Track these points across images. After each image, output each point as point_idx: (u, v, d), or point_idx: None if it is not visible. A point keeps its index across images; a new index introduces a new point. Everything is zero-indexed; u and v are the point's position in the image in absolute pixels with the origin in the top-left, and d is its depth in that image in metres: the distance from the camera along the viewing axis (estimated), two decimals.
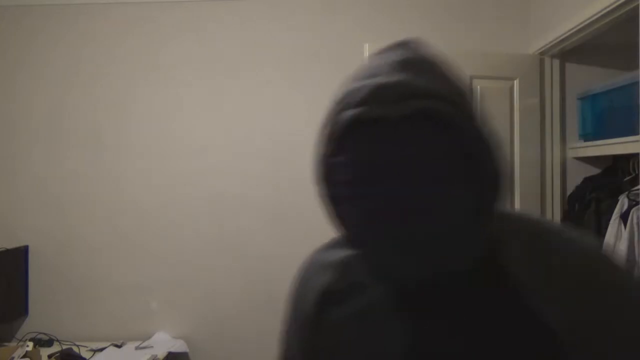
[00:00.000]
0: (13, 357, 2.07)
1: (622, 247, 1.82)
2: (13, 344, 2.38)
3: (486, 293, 0.65)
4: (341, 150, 0.59)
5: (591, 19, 1.95)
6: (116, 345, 2.37)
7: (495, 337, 0.63)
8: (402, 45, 0.66)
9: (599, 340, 0.60)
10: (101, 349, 2.33)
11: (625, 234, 1.83)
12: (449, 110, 0.57)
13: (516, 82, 2.33)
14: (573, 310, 0.60)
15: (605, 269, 0.64)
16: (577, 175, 2.40)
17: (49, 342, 2.41)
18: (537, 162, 2.37)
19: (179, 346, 2.38)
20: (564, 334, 0.60)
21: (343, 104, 0.60)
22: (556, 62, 2.44)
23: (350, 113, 0.58)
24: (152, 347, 2.33)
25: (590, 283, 0.62)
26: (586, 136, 2.37)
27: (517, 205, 2.32)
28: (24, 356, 2.06)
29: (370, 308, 0.71)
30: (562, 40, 2.21)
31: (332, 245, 0.82)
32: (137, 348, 2.33)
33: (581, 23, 2.01)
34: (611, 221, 1.92)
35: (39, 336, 2.44)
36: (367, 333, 0.70)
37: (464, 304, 0.65)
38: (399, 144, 0.57)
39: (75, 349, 2.31)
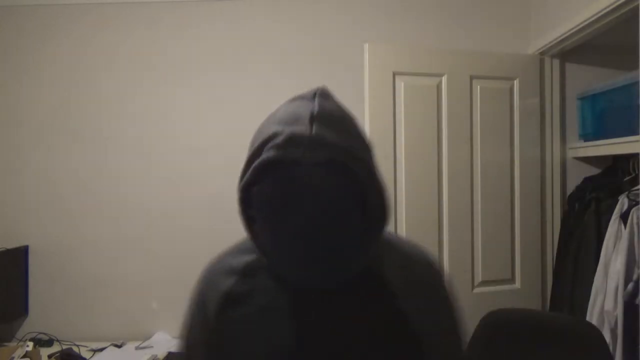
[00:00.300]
0: (13, 357, 2.07)
1: (622, 247, 1.82)
2: (13, 344, 2.38)
3: (365, 298, 0.85)
4: (261, 181, 0.74)
5: (591, 19, 1.95)
6: (116, 345, 2.37)
7: (370, 330, 0.84)
8: (318, 94, 0.78)
9: (435, 329, 0.87)
10: (101, 349, 2.33)
11: (625, 234, 1.83)
12: (350, 161, 0.73)
13: (516, 82, 2.33)
14: (423, 310, 0.86)
15: (440, 283, 0.92)
16: (577, 175, 2.41)
17: (49, 342, 2.41)
18: (537, 162, 2.37)
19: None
20: (418, 327, 0.84)
21: (267, 142, 0.74)
22: (556, 62, 2.44)
23: (272, 153, 0.72)
24: (152, 347, 2.33)
25: (432, 293, 0.89)
26: (586, 136, 2.38)
27: (517, 205, 2.33)
28: (24, 356, 2.06)
29: (268, 309, 0.86)
30: (562, 40, 2.22)
31: (236, 250, 0.95)
32: (137, 348, 2.33)
33: (581, 23, 2.01)
34: (611, 221, 1.92)
35: (39, 336, 2.44)
36: (263, 331, 0.85)
37: (347, 305, 0.84)
38: (309, 184, 0.71)
39: (75, 349, 2.31)
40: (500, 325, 1.55)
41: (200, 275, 0.98)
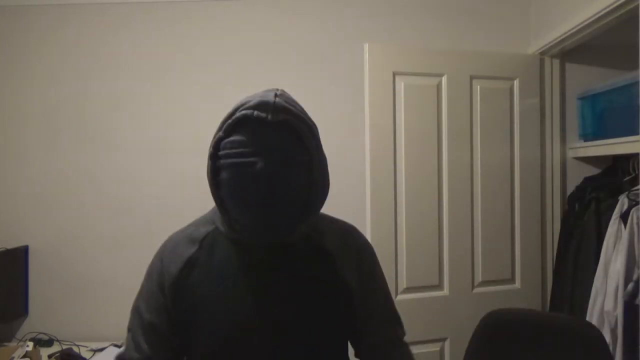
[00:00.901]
0: (13, 357, 2.07)
1: (622, 247, 1.82)
2: (13, 344, 2.38)
3: (309, 259, 1.05)
4: (232, 134, 0.94)
5: (591, 19, 1.95)
6: (116, 345, 2.36)
7: (313, 286, 1.03)
8: (279, 89, 0.99)
9: (362, 281, 1.09)
10: (101, 349, 2.33)
11: (625, 234, 1.83)
12: (303, 128, 0.95)
13: (516, 82, 2.33)
14: (354, 270, 1.08)
15: (365, 249, 1.15)
16: (577, 175, 2.41)
17: (49, 342, 2.41)
18: (537, 162, 2.37)
19: None
20: (352, 284, 1.07)
21: (239, 107, 0.95)
22: (556, 62, 2.44)
23: (243, 112, 0.93)
24: None
25: (359, 257, 1.11)
26: (586, 136, 2.38)
27: (517, 205, 2.33)
28: (24, 356, 2.06)
29: (227, 270, 1.02)
30: (562, 40, 2.21)
31: (195, 224, 1.12)
32: None
33: (581, 23, 2.01)
34: (611, 221, 1.92)
35: (39, 336, 2.44)
36: (224, 290, 1.01)
37: (293, 266, 1.03)
38: (271, 137, 0.92)
39: (75, 349, 2.31)
40: (501, 325, 1.55)
41: (161, 247, 1.12)
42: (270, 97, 0.93)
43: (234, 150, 0.93)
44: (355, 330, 1.12)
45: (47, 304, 2.53)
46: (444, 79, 2.23)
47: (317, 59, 2.51)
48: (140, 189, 2.54)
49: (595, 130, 2.31)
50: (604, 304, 1.87)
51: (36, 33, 2.57)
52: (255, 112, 0.91)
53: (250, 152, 0.91)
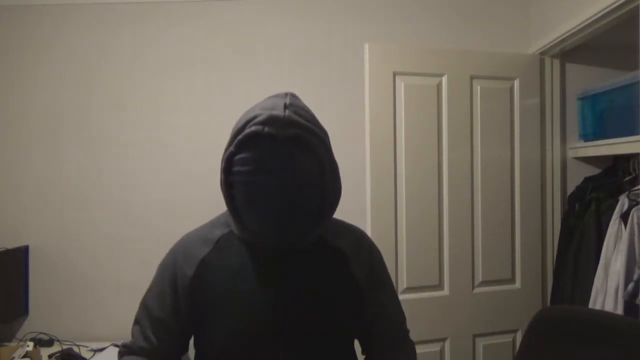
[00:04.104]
0: (13, 357, 2.07)
1: (623, 247, 1.82)
2: (13, 344, 2.37)
3: (323, 260, 1.08)
4: (244, 150, 0.94)
5: (591, 19, 1.95)
6: (116, 345, 2.36)
7: (326, 285, 1.07)
8: (289, 94, 0.99)
9: (371, 281, 1.13)
10: (101, 349, 2.33)
11: (625, 234, 1.83)
12: (313, 140, 0.95)
13: (516, 82, 2.33)
14: (366, 272, 1.12)
15: (374, 248, 1.19)
16: (577, 175, 2.40)
17: (49, 342, 2.41)
18: (537, 162, 2.37)
19: None
20: (363, 285, 1.11)
21: (249, 122, 0.95)
22: (556, 62, 2.44)
23: (254, 128, 0.93)
24: None
25: (368, 257, 1.15)
26: (586, 136, 2.38)
27: (517, 205, 2.33)
28: (24, 356, 2.06)
29: (241, 271, 1.04)
30: (562, 40, 2.22)
31: (209, 226, 1.14)
32: None
33: (581, 23, 2.01)
34: (611, 221, 1.92)
35: (39, 336, 2.44)
36: (238, 290, 1.03)
37: (306, 267, 1.06)
38: (282, 153, 0.92)
39: (75, 349, 2.31)
40: (557, 321, 1.48)
41: (174, 246, 1.14)
42: (280, 110, 0.93)
43: (245, 168, 0.94)
44: (364, 328, 1.16)
45: (47, 304, 2.53)
46: (444, 79, 2.23)
47: (317, 59, 2.51)
48: (141, 190, 2.54)
49: (596, 130, 2.31)
50: (604, 304, 1.87)
51: (39, 34, 2.56)
52: (266, 129, 0.92)
53: (261, 170, 0.92)
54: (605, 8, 1.85)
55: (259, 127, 0.92)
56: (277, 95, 1.00)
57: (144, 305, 1.13)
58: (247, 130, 0.93)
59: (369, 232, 2.10)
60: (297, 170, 0.93)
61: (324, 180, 0.99)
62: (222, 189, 1.01)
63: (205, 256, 1.06)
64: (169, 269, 1.10)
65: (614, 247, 1.88)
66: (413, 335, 1.27)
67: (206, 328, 1.05)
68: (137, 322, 1.13)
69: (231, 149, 0.96)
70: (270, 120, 0.92)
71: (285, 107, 0.94)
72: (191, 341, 1.15)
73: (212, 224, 1.14)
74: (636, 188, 1.94)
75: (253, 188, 0.94)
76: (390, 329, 1.19)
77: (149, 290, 1.15)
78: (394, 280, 2.17)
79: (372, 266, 1.15)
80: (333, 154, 1.02)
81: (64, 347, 2.32)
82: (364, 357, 1.22)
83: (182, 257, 1.09)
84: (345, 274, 1.09)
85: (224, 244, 1.08)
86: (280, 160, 0.92)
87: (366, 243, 1.18)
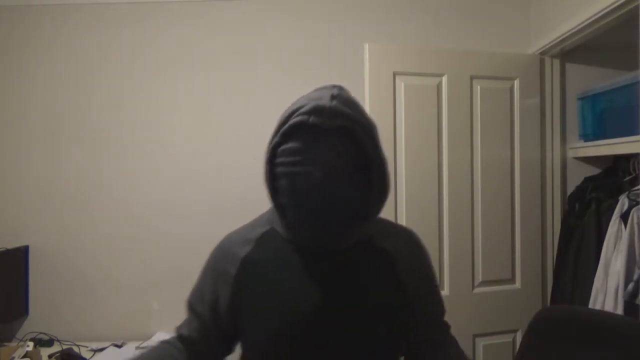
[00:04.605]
0: (13, 357, 2.07)
1: (623, 247, 1.82)
2: (13, 344, 2.38)
3: (368, 260, 1.04)
4: (288, 141, 0.93)
5: (591, 19, 1.95)
6: (116, 345, 2.37)
7: (371, 285, 1.03)
8: (337, 86, 0.98)
9: (419, 282, 1.09)
10: (101, 349, 2.33)
11: (625, 234, 1.83)
12: (359, 131, 0.93)
13: (516, 82, 2.33)
14: (414, 272, 1.08)
15: (422, 251, 1.16)
16: (577, 175, 2.40)
17: (49, 342, 2.41)
18: (537, 162, 2.37)
19: None
20: (409, 286, 1.06)
21: (295, 112, 0.93)
22: (556, 62, 2.44)
23: (299, 118, 0.91)
24: None
25: (416, 258, 1.12)
26: (586, 136, 2.38)
27: (517, 205, 2.33)
28: (24, 356, 2.06)
29: (283, 270, 1.01)
30: (562, 40, 2.22)
31: (250, 226, 1.11)
32: (137, 348, 2.33)
33: (581, 23, 2.01)
34: (611, 221, 1.92)
35: (39, 336, 2.44)
36: (281, 288, 1.01)
37: (351, 266, 1.02)
38: (328, 145, 0.90)
39: (75, 349, 2.31)
40: (557, 320, 1.48)
41: (216, 247, 1.12)
42: (326, 101, 0.91)
43: (290, 159, 0.92)
44: (409, 328, 1.11)
45: (48, 304, 2.53)
46: (444, 79, 2.23)
47: (317, 59, 2.51)
48: (141, 189, 2.54)
49: (596, 130, 2.31)
50: (604, 304, 1.87)
51: (39, 34, 2.56)
52: (311, 119, 0.90)
53: (306, 161, 0.91)
54: (605, 8, 1.85)
55: (304, 117, 0.90)
56: (324, 87, 0.98)
57: (189, 304, 1.14)
58: (292, 121, 0.92)
59: None
60: (342, 162, 0.91)
61: (371, 174, 0.95)
62: (265, 181, 0.99)
63: (247, 254, 1.05)
64: (211, 269, 1.10)
65: (614, 247, 1.88)
66: None
67: (249, 326, 1.04)
68: (185, 319, 1.16)
69: (276, 139, 0.94)
70: (316, 111, 0.90)
71: (332, 97, 0.92)
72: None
73: (254, 223, 1.12)
74: (636, 188, 1.94)
75: (297, 179, 0.92)
76: (437, 327, 1.17)
77: (193, 288, 1.15)
78: None
79: (419, 267, 1.12)
80: (382, 149, 0.98)
81: (64, 347, 2.32)
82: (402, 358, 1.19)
83: (224, 256, 1.08)
84: (390, 275, 1.05)
85: (266, 241, 1.06)
86: (325, 152, 0.90)
87: (414, 243, 1.15)
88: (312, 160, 0.90)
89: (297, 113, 0.92)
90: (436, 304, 1.18)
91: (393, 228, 1.15)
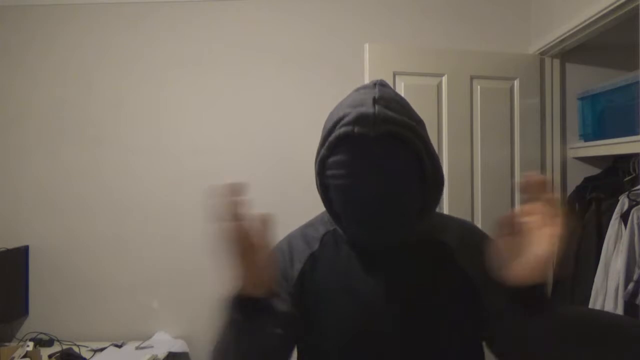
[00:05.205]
0: (13, 357, 2.07)
1: (623, 247, 1.82)
2: (13, 344, 2.38)
3: (429, 255, 1.03)
4: (336, 153, 0.90)
5: (591, 19, 1.95)
6: (116, 345, 2.37)
7: (435, 280, 1.01)
8: (378, 84, 0.95)
9: (485, 277, 0.96)
10: (101, 349, 2.33)
11: (625, 234, 1.83)
12: (408, 134, 0.90)
13: (516, 82, 2.33)
14: (478, 265, 0.97)
15: (485, 243, 1.02)
16: (577, 175, 2.40)
17: (49, 342, 2.41)
18: (537, 162, 2.37)
19: (179, 346, 2.38)
20: (475, 278, 1.00)
21: (338, 123, 0.90)
22: (556, 62, 2.44)
23: (343, 129, 0.88)
24: (152, 347, 2.33)
25: (480, 250, 0.98)
26: (586, 136, 2.38)
27: (517, 205, 2.32)
28: (24, 356, 2.06)
29: (350, 267, 1.01)
30: (562, 40, 2.21)
31: (311, 225, 1.11)
32: (137, 348, 2.33)
33: (581, 23, 2.01)
34: (611, 221, 1.92)
35: (39, 336, 2.44)
36: (349, 284, 1.00)
37: (413, 262, 1.01)
38: (376, 153, 0.88)
39: (75, 349, 2.31)
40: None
41: (279, 242, 1.08)
42: (370, 107, 0.88)
43: (339, 172, 0.91)
44: (486, 323, 1.02)
45: (48, 304, 2.53)
46: (444, 79, 2.23)
47: (317, 59, 2.51)
48: (141, 189, 2.54)
49: (595, 130, 2.31)
50: (604, 304, 1.87)
51: (39, 34, 2.57)
52: (356, 129, 0.87)
53: (356, 174, 0.89)
54: (605, 8, 1.85)
55: (348, 128, 0.88)
56: (365, 87, 0.95)
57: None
58: (337, 132, 0.89)
59: None
60: (392, 169, 0.89)
61: (424, 174, 0.94)
62: (318, 192, 0.99)
63: (314, 251, 1.04)
64: (277, 263, 1.04)
65: (614, 247, 1.88)
66: None
67: (311, 325, 1.02)
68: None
69: (323, 151, 0.93)
70: (360, 119, 0.87)
71: (374, 101, 0.89)
72: None
73: (315, 223, 1.11)
74: (636, 188, 1.94)
75: (348, 192, 0.91)
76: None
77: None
78: None
79: (485, 261, 1.04)
80: (431, 144, 0.96)
81: (64, 347, 2.32)
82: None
83: (289, 252, 1.06)
84: (451, 268, 1.02)
85: (330, 240, 1.05)
86: (374, 162, 0.88)
87: (475, 235, 1.10)
88: (361, 171, 0.89)
89: (342, 123, 0.89)
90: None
91: (451, 221, 1.14)
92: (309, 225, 1.12)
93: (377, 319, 0.99)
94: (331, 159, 0.92)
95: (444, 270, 1.03)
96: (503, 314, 0.95)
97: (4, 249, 2.39)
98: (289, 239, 1.10)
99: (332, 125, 0.91)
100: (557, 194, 2.43)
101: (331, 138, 0.90)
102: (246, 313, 0.89)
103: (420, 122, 0.97)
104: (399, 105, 0.94)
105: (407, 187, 0.92)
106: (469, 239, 1.08)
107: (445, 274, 1.03)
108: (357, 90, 0.97)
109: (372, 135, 0.87)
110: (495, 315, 0.98)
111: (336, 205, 0.97)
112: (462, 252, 1.04)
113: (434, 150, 0.97)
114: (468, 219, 2.26)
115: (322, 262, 1.03)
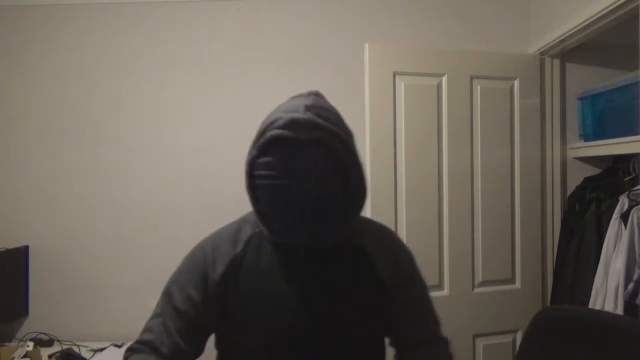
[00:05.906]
0: (13, 357, 2.07)
1: (623, 247, 1.82)
2: (13, 344, 2.38)
3: (346, 259, 1.09)
4: (265, 155, 0.95)
5: (591, 19, 1.95)
6: (116, 345, 2.37)
7: (351, 284, 1.08)
8: (313, 94, 1.01)
9: (400, 280, 1.14)
10: (101, 349, 2.33)
11: (625, 234, 1.83)
12: (335, 142, 0.95)
13: (516, 82, 2.33)
14: (391, 269, 1.12)
15: (401, 246, 1.21)
16: (577, 175, 2.40)
17: (49, 342, 2.41)
18: (537, 162, 2.37)
19: None
20: (387, 280, 1.11)
21: (270, 125, 0.95)
22: (556, 62, 2.44)
23: (274, 132, 0.93)
24: None
25: (396, 255, 1.16)
26: (586, 136, 2.38)
27: (517, 205, 2.33)
28: (24, 356, 2.06)
29: (271, 270, 1.05)
30: (562, 40, 2.22)
31: (236, 225, 1.13)
32: None
33: (581, 23, 2.01)
34: (611, 221, 1.92)
35: (39, 336, 2.44)
36: (269, 287, 1.04)
37: (332, 265, 1.07)
38: (304, 157, 0.93)
39: (75, 349, 2.31)
40: (556, 321, 1.48)
41: (202, 242, 1.13)
42: (301, 113, 0.94)
43: (267, 172, 0.95)
44: (392, 327, 1.16)
45: (48, 304, 2.53)
46: (444, 79, 2.23)
47: (317, 59, 2.51)
48: (141, 189, 2.54)
49: (595, 130, 2.31)
50: (604, 304, 1.87)
51: (39, 34, 2.57)
52: (287, 132, 0.92)
53: (283, 174, 0.94)
54: (605, 8, 1.85)
55: (279, 131, 0.93)
56: (299, 96, 1.01)
57: (167, 296, 1.09)
58: (268, 134, 0.94)
59: None
60: (319, 173, 0.94)
61: (349, 182, 0.99)
62: (247, 191, 1.03)
63: (237, 254, 1.07)
64: (199, 264, 1.08)
65: (614, 247, 1.88)
66: None
67: (233, 326, 1.05)
68: (158, 315, 1.10)
69: (253, 152, 0.97)
70: (291, 124, 0.93)
71: (307, 109, 0.95)
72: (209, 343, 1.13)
73: (243, 222, 1.14)
74: (636, 188, 1.94)
75: (275, 192, 0.96)
76: (418, 328, 1.17)
77: (174, 282, 1.11)
78: None
79: (397, 263, 1.14)
80: (358, 155, 1.01)
81: (64, 347, 2.32)
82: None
83: (213, 253, 1.08)
84: (368, 273, 1.10)
85: (255, 243, 1.09)
86: (302, 165, 0.93)
87: (392, 241, 1.19)
88: (288, 173, 0.93)
89: (273, 126, 0.94)
90: (418, 303, 1.19)
91: (368, 225, 1.19)
92: (239, 223, 1.15)
93: (296, 319, 1.03)
94: (261, 160, 0.96)
95: (360, 275, 1.09)
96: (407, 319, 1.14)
97: (4, 249, 2.39)
98: (213, 239, 1.12)
99: (264, 128, 0.96)
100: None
101: (262, 140, 0.95)
102: None
103: (349, 134, 1.01)
104: (331, 115, 0.99)
105: (331, 190, 0.97)
106: (386, 245, 1.16)
107: (360, 278, 1.09)
108: (293, 97, 1.02)
109: (302, 139, 0.92)
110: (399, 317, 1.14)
111: (263, 204, 1.01)
112: (377, 256, 1.12)
113: (360, 162, 1.02)
114: (468, 219, 2.26)
115: (245, 264, 1.06)
